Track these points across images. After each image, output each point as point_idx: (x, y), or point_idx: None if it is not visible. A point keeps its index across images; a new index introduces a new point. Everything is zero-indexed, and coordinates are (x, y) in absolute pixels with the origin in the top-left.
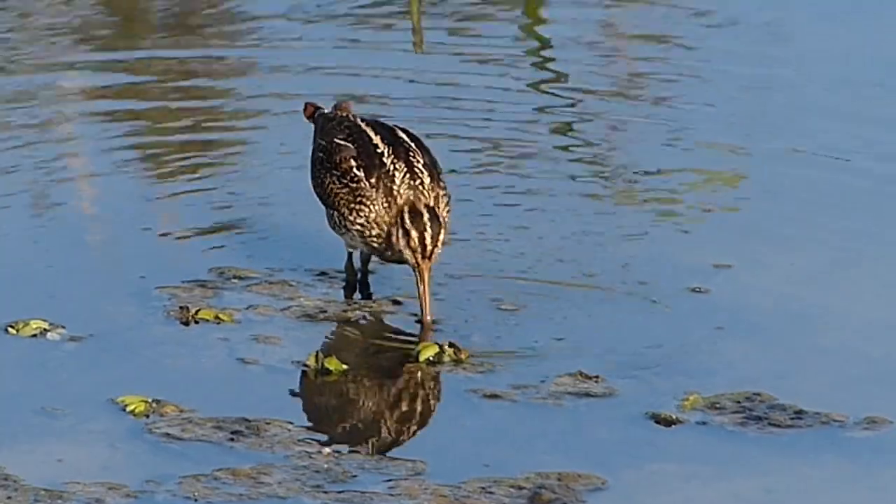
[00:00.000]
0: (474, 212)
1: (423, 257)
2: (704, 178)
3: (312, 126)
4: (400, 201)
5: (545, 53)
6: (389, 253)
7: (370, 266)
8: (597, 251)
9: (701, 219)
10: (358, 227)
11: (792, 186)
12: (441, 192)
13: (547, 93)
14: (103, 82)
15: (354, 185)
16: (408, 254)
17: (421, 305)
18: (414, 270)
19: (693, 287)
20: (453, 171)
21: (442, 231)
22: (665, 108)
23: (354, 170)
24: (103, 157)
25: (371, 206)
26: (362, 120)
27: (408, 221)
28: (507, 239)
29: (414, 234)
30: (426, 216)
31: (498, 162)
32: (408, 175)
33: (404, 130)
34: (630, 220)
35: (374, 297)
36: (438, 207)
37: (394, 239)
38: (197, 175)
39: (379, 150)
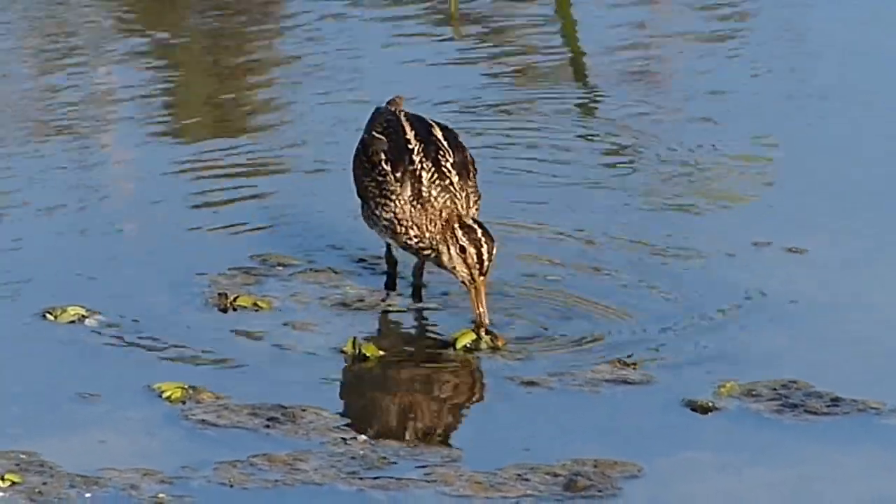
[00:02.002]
0: (508, 199)
1: (480, 274)
2: (738, 166)
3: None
4: (443, 212)
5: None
6: (427, 252)
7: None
8: (633, 240)
9: (737, 207)
10: (385, 222)
11: (827, 176)
12: (470, 191)
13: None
14: (141, 70)
15: (381, 178)
16: (462, 270)
17: (478, 319)
18: (466, 285)
19: (729, 276)
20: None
21: (494, 245)
22: (698, 96)
23: (382, 163)
24: (143, 145)
25: (396, 202)
26: (406, 115)
27: (462, 238)
28: (542, 226)
29: (471, 250)
30: (479, 231)
31: (532, 154)
32: (436, 175)
33: (443, 128)
34: (664, 210)
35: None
36: (470, 207)
37: (445, 258)
38: (240, 163)
39: (410, 147)
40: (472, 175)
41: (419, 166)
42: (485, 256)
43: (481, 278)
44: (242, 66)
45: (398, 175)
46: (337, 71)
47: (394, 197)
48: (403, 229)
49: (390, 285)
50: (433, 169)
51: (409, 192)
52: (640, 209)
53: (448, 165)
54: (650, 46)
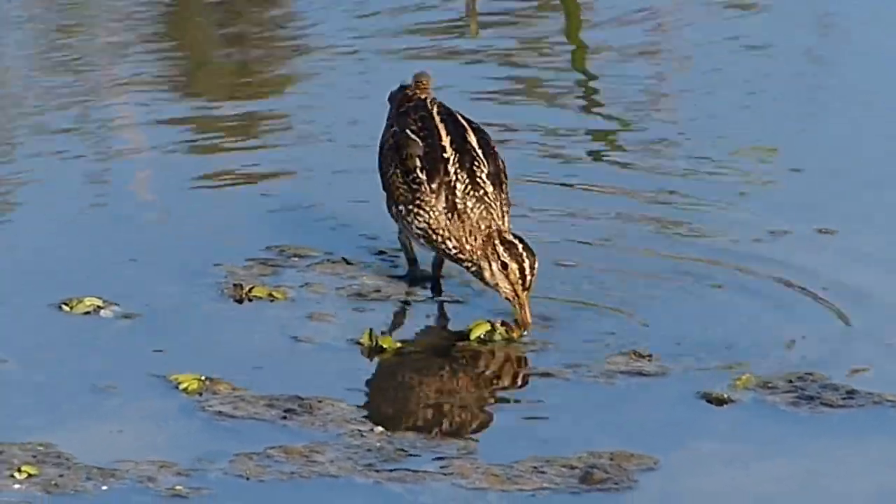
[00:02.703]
0: (529, 197)
1: (524, 289)
2: (757, 156)
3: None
4: (482, 225)
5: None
6: (468, 265)
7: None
8: (647, 232)
9: (752, 197)
10: (419, 231)
11: (843, 165)
12: (503, 201)
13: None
14: (157, 66)
15: (416, 186)
16: (506, 287)
17: (525, 331)
18: (510, 301)
19: (744, 267)
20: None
21: (536, 259)
22: (717, 83)
23: (418, 171)
24: (158, 134)
25: (430, 213)
26: (438, 111)
27: (503, 254)
28: (558, 221)
29: (513, 266)
30: (520, 246)
31: (550, 153)
32: (470, 187)
33: (476, 131)
34: (675, 199)
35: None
36: (503, 217)
37: (487, 274)
38: (255, 153)
39: (445, 156)
40: (504, 185)
41: (454, 178)
42: (527, 272)
43: (525, 293)
44: (257, 65)
45: (434, 186)
46: (350, 67)
47: (428, 208)
48: (440, 239)
49: (412, 263)
50: (468, 180)
51: (443, 204)
52: (650, 199)
53: (483, 176)
54: (657, 36)
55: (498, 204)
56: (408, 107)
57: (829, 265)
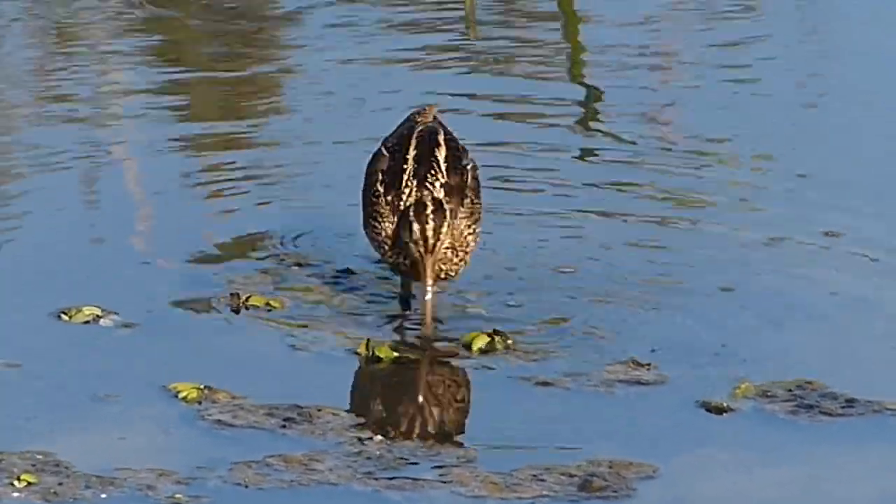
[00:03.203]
0: (524, 205)
1: (426, 251)
2: (756, 161)
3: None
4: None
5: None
6: (404, 268)
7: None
8: (646, 238)
9: (752, 202)
10: (375, 242)
11: (844, 169)
12: (462, 215)
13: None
14: (151, 68)
15: (375, 199)
16: (412, 249)
17: (423, 312)
18: (418, 266)
19: (743, 276)
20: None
21: (445, 224)
22: (715, 84)
23: (378, 184)
24: (153, 141)
25: (382, 224)
26: (422, 131)
27: (411, 214)
28: (554, 227)
29: (416, 226)
30: (430, 208)
31: (550, 157)
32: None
33: (451, 148)
34: (674, 206)
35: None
36: (458, 229)
37: (402, 239)
38: (255, 161)
39: (405, 168)
40: (466, 198)
41: (404, 189)
42: (429, 233)
43: (429, 256)
44: (254, 68)
45: (388, 198)
46: (349, 74)
47: (381, 219)
48: (390, 251)
49: (404, 305)
50: (417, 191)
51: (392, 216)
52: (648, 204)
53: (436, 185)
54: (656, 43)
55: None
56: (401, 126)
57: (831, 271)
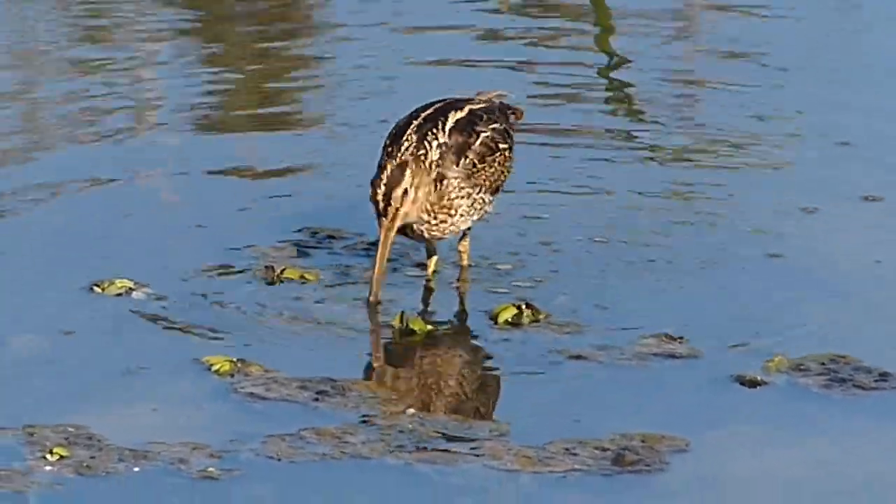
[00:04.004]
0: (557, 179)
1: (378, 215)
2: (789, 137)
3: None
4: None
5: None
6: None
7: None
8: (679, 212)
9: (783, 178)
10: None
11: (875, 146)
12: (454, 176)
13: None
14: (184, 45)
15: (381, 150)
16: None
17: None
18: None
19: (778, 249)
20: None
21: (398, 188)
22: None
23: (388, 136)
24: (190, 119)
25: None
26: (457, 98)
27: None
28: (587, 200)
29: (371, 189)
30: (387, 171)
31: (576, 138)
32: (414, 149)
33: (474, 113)
34: (704, 177)
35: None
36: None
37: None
38: (288, 133)
39: (412, 123)
40: (467, 161)
41: (405, 142)
42: (379, 196)
43: (382, 220)
44: (289, 46)
45: (389, 150)
46: (380, 44)
47: (380, 171)
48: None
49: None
50: (415, 145)
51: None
52: (678, 176)
53: (433, 143)
54: (685, 15)
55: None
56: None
57: (862, 249)
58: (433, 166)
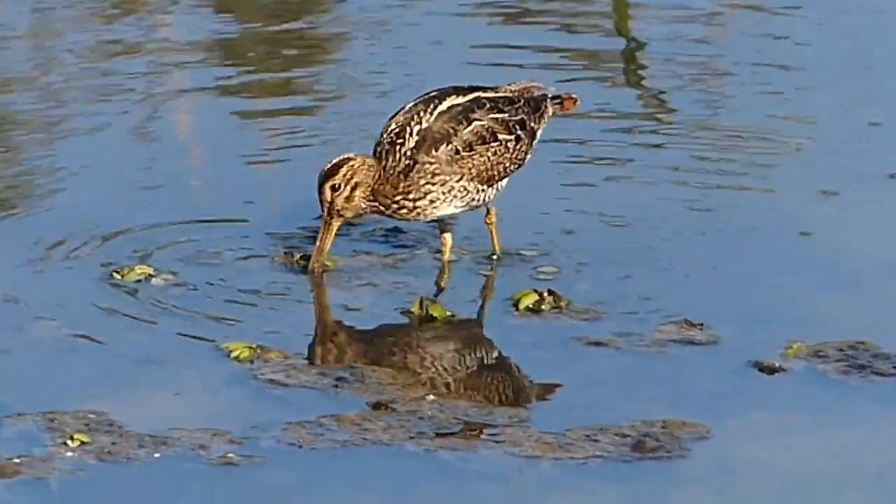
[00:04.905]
0: (578, 163)
1: (322, 212)
2: (804, 123)
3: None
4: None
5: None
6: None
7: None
8: (698, 198)
9: (802, 166)
10: None
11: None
12: (427, 160)
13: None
14: (206, 25)
15: None
16: None
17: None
18: None
19: (797, 234)
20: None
21: (327, 183)
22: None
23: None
24: (210, 104)
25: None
26: (453, 89)
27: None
28: (610, 189)
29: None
30: (328, 164)
31: (599, 126)
32: (387, 132)
33: (479, 101)
34: (733, 165)
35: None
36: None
37: None
38: (307, 117)
39: (406, 104)
40: (448, 147)
41: (391, 122)
42: (318, 180)
43: (327, 218)
44: (307, 28)
45: (382, 127)
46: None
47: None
48: None
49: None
50: (399, 125)
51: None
52: (699, 161)
53: (416, 128)
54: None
55: (397, 150)
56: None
57: (881, 235)
58: (402, 158)
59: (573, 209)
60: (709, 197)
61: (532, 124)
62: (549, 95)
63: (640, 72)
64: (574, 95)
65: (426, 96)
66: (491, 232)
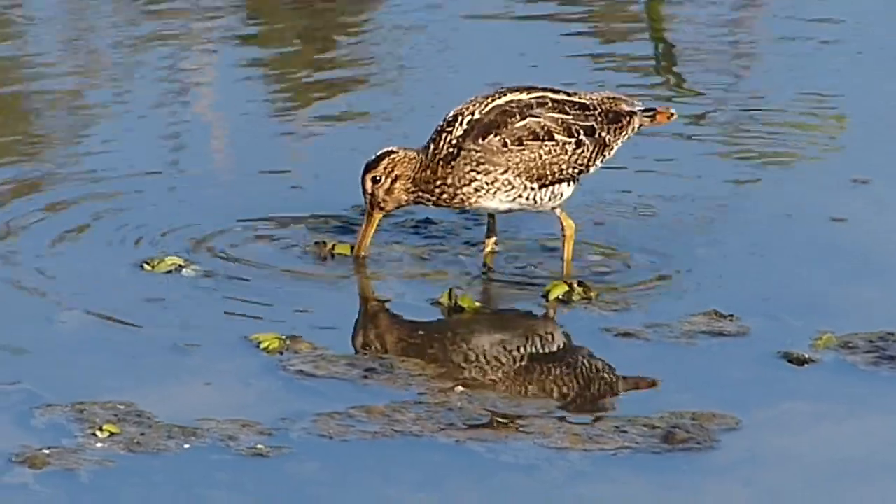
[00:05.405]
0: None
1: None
2: (834, 120)
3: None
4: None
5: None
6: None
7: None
8: (728, 191)
9: (834, 155)
10: None
11: None
12: (472, 148)
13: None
14: (236, 22)
15: None
16: None
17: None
18: None
19: (828, 224)
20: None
21: (368, 174)
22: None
23: None
24: (236, 93)
25: None
26: (523, 88)
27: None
28: (642, 178)
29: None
30: (372, 156)
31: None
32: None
33: (542, 100)
34: (751, 159)
35: (516, 239)
36: (446, 160)
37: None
38: (334, 111)
39: (477, 96)
40: (496, 139)
41: (454, 109)
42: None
43: (370, 210)
44: (340, 23)
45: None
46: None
47: None
48: None
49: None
50: (458, 111)
51: None
52: (730, 150)
53: (468, 117)
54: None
55: (445, 139)
56: None
57: None
58: (447, 145)
59: (605, 200)
60: (740, 187)
61: (604, 133)
62: (639, 109)
63: (671, 60)
64: (671, 110)
65: (499, 90)
66: (561, 248)
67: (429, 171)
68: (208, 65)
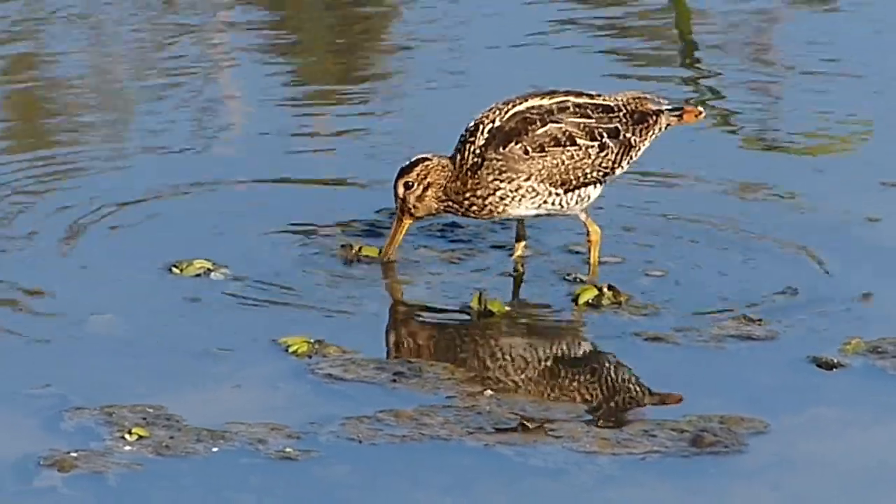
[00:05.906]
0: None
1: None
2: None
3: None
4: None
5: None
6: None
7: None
8: (760, 194)
9: (861, 160)
10: None
11: None
12: (494, 157)
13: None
14: (261, 17)
15: None
16: None
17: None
18: None
19: (858, 226)
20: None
21: (401, 180)
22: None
23: None
24: (262, 97)
25: None
26: (543, 92)
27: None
28: (669, 184)
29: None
30: (405, 162)
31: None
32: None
33: (564, 105)
34: (785, 168)
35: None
36: (473, 167)
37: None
38: (360, 116)
39: (501, 100)
40: (517, 147)
41: (479, 113)
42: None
43: (400, 215)
44: (364, 24)
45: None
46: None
47: None
48: None
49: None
50: (484, 115)
51: None
52: (756, 156)
53: (489, 123)
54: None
55: (470, 148)
56: None
57: None
58: (471, 155)
59: (634, 206)
60: (767, 192)
61: (629, 135)
62: (665, 108)
63: (697, 67)
64: (699, 109)
65: (522, 95)
66: (588, 252)
67: (458, 182)
68: (235, 68)
